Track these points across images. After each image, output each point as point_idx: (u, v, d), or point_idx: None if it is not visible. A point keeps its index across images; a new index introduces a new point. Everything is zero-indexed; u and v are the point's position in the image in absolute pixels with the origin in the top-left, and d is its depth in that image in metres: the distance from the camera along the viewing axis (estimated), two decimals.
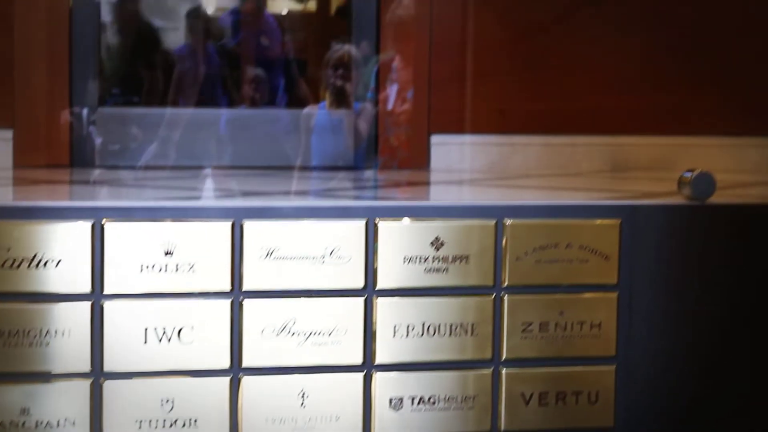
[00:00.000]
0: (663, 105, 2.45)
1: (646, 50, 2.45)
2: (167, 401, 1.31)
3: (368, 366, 1.36)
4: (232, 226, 1.31)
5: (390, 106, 2.44)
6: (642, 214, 1.43)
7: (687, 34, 2.46)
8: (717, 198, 1.46)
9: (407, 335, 1.37)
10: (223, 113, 2.51)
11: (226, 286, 1.31)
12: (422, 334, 1.37)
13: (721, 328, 1.47)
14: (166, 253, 1.29)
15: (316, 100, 2.57)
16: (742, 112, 2.48)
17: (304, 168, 2.37)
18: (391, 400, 1.37)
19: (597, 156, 2.44)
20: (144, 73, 2.55)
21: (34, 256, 1.26)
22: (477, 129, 2.41)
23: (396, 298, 1.36)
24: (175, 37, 2.66)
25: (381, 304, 1.36)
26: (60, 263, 1.27)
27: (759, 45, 2.49)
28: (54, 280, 1.27)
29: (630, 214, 1.42)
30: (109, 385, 1.29)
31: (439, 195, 1.82)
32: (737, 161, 2.46)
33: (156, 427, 1.31)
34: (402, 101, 2.43)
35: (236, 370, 1.33)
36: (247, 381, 1.33)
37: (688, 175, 1.46)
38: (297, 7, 3.03)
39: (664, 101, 2.45)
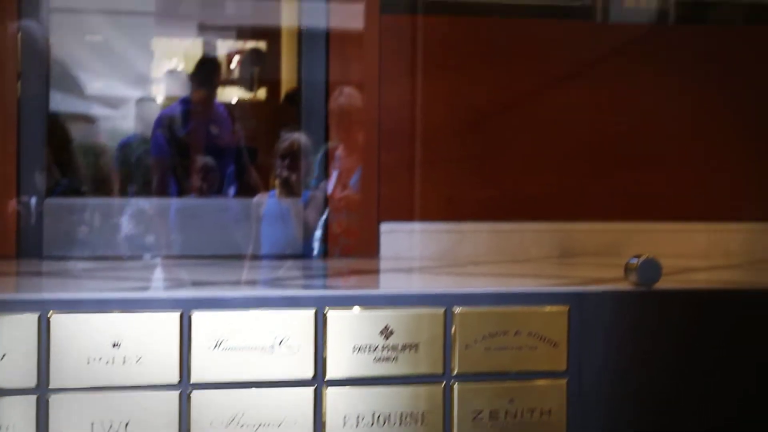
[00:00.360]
0: (609, 191, 2.48)
1: (591, 138, 2.49)
2: None
3: None
4: (181, 316, 1.30)
5: (338, 194, 2.44)
6: (590, 301, 1.44)
7: (628, 121, 2.50)
8: (663, 284, 1.47)
9: (357, 425, 1.36)
10: (173, 202, 2.50)
11: (175, 378, 1.30)
12: (372, 424, 1.36)
13: (670, 413, 1.47)
14: (114, 345, 1.28)
15: (267, 187, 2.57)
16: (688, 196, 2.52)
17: (254, 257, 2.36)
18: None
19: (545, 242, 2.46)
20: (91, 162, 2.54)
21: None
22: (426, 216, 2.42)
23: (346, 388, 1.35)
24: (124, 125, 2.67)
25: (331, 394, 1.35)
26: (5, 357, 1.25)
27: (703, 128, 2.53)
28: None
29: (578, 301, 1.43)
30: None
31: (388, 283, 1.82)
32: (684, 246, 2.48)
33: None
34: (350, 189, 2.44)
35: None
36: None
37: (635, 261, 1.47)
38: (246, 95, 3.05)
39: (610, 187, 2.48)
